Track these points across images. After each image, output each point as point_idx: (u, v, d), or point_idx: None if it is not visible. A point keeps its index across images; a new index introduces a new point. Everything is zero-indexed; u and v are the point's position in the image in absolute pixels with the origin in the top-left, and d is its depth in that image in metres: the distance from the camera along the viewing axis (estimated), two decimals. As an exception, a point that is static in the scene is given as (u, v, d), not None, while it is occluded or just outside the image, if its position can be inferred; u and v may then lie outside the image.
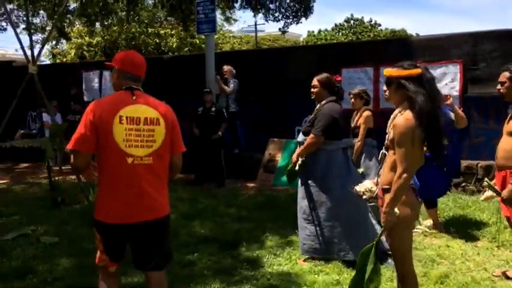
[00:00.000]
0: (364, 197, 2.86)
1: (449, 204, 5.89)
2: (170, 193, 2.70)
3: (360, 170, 4.77)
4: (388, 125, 2.64)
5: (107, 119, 2.39)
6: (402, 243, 2.68)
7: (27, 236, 4.92)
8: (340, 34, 34.22)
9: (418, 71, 2.53)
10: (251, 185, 7.62)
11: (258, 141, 8.20)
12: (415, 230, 4.92)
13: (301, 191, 4.19)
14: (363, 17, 34.69)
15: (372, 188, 2.85)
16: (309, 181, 4.10)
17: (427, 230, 4.97)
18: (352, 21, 35.00)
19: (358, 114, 5.33)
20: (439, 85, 6.70)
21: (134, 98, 2.48)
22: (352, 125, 5.30)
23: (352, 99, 5.41)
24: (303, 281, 3.65)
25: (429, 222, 5.18)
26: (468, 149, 6.86)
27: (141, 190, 2.45)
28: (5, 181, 8.51)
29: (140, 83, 2.58)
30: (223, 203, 6.34)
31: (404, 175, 2.48)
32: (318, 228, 4.06)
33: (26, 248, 4.54)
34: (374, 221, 4.13)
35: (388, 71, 2.64)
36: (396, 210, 2.55)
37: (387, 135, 2.65)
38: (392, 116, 2.64)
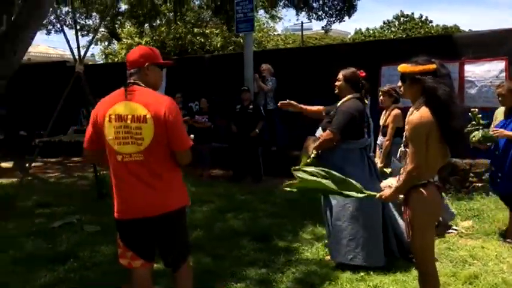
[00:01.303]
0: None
1: (490, 205, 5.70)
2: (207, 188, 2.81)
3: (388, 170, 4.67)
4: (406, 121, 2.65)
5: (101, 119, 2.49)
6: (423, 242, 2.65)
7: (73, 225, 5.26)
8: (389, 31, 33.40)
9: (433, 66, 2.51)
10: (287, 182, 7.66)
11: (296, 138, 8.24)
12: (450, 231, 4.83)
13: None
14: (413, 13, 33.67)
15: (393, 184, 2.87)
16: None
17: (463, 231, 4.86)
18: (402, 18, 34.07)
19: (387, 112, 5.10)
20: (482, 82, 6.69)
21: (126, 94, 2.48)
22: (381, 123, 5.16)
23: (381, 97, 5.16)
24: (328, 276, 3.70)
25: (467, 223, 5.06)
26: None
27: (134, 187, 2.46)
28: (56, 174, 9.06)
29: (136, 75, 2.53)
30: (258, 198, 6.46)
31: (414, 173, 2.50)
32: (328, 228, 4.03)
33: (71, 235, 4.87)
34: (390, 227, 4.07)
35: (402, 67, 2.63)
36: (401, 196, 2.66)
37: (405, 133, 2.66)
38: (408, 113, 2.63)
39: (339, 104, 4.00)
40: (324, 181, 2.91)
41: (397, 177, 2.88)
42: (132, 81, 2.52)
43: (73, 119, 11.09)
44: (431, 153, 2.51)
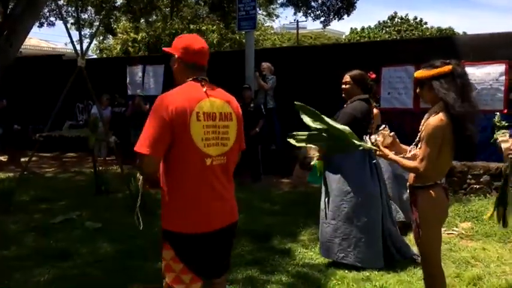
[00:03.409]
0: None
1: (488, 207, 5.74)
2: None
3: None
4: (422, 123, 2.66)
5: (184, 116, 2.06)
6: (430, 243, 2.68)
7: (73, 221, 5.22)
8: (384, 32, 33.57)
9: (448, 67, 2.53)
10: (287, 181, 7.69)
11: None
12: (451, 232, 4.87)
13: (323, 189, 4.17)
14: (407, 15, 33.89)
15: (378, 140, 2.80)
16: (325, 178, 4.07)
17: (463, 232, 4.90)
18: (396, 19, 34.25)
19: None
20: (482, 86, 6.74)
21: (205, 90, 2.18)
22: None
23: None
24: (333, 275, 3.71)
25: (466, 225, 5.10)
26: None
27: (221, 194, 2.20)
28: (53, 169, 8.99)
29: (205, 72, 2.27)
30: (258, 197, 6.46)
31: (420, 171, 2.53)
32: (322, 226, 4.05)
33: (71, 232, 4.83)
34: (390, 229, 4.08)
35: (418, 73, 2.64)
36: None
37: (419, 134, 2.67)
38: (426, 116, 2.65)
39: (345, 105, 4.03)
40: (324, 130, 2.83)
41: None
42: (203, 77, 2.24)
43: (68, 113, 10.99)
44: (443, 157, 2.54)
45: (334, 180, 3.98)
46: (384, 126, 2.80)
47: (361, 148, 2.86)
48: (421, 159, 2.54)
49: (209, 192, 2.15)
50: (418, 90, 2.70)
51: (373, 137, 2.80)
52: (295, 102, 2.84)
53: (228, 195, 2.24)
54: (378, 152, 2.75)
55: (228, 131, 2.21)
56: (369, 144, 2.81)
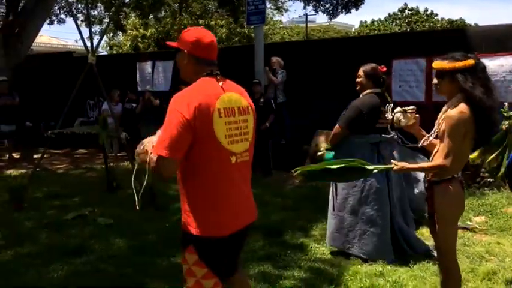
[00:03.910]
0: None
1: (502, 201, 5.68)
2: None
3: None
4: (439, 116, 2.62)
5: (207, 114, 1.97)
6: (447, 238, 2.66)
7: (85, 217, 5.25)
8: (394, 24, 33.23)
9: (471, 61, 2.50)
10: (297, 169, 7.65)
11: (305, 132, 8.23)
12: (465, 226, 4.81)
13: None
14: (417, 7, 33.47)
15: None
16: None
17: (477, 226, 4.84)
18: (406, 11, 33.87)
19: None
20: (495, 77, 6.64)
21: (221, 84, 2.10)
22: None
23: None
24: (346, 270, 3.69)
25: (479, 219, 5.04)
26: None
27: (246, 193, 2.17)
28: (64, 166, 9.06)
29: (217, 66, 2.19)
30: (269, 192, 6.44)
31: (448, 166, 2.49)
32: (330, 217, 4.14)
33: (84, 228, 4.86)
34: (400, 224, 4.09)
35: (439, 64, 2.59)
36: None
37: (435, 128, 2.64)
38: (444, 108, 2.61)
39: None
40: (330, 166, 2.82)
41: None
42: (216, 71, 2.16)
43: (79, 110, 11.06)
44: (463, 150, 2.52)
45: None
46: (413, 107, 2.77)
47: (376, 171, 2.77)
48: (446, 154, 2.49)
49: (237, 193, 2.09)
50: (436, 81, 2.65)
51: (398, 112, 2.75)
52: (295, 172, 2.80)
53: (251, 193, 2.19)
54: (394, 168, 2.67)
55: (247, 125, 2.15)
56: (389, 117, 2.80)
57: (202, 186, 2.03)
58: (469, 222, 4.90)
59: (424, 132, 2.77)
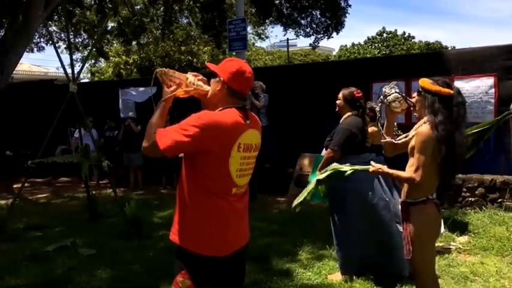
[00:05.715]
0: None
1: (484, 220, 5.75)
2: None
3: None
4: (410, 133, 2.70)
5: (228, 144, 2.04)
6: (424, 259, 2.66)
7: (67, 248, 5.14)
8: (373, 47, 34.00)
9: (449, 91, 2.58)
10: (282, 199, 7.67)
11: (289, 155, 8.26)
12: (449, 247, 4.84)
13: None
14: (396, 30, 34.36)
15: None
16: (330, 193, 4.14)
17: (461, 246, 4.88)
18: (384, 34, 34.73)
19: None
20: (472, 99, 6.80)
21: (248, 122, 2.12)
22: None
23: None
24: (332, 295, 3.67)
25: (463, 239, 5.08)
26: (505, 164, 6.71)
27: (242, 214, 2.21)
28: (45, 195, 8.90)
29: (246, 101, 2.24)
30: (254, 216, 6.35)
31: (417, 180, 2.55)
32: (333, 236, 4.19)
33: (66, 260, 4.74)
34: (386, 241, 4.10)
35: (423, 81, 2.68)
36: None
37: (410, 135, 2.74)
38: (415, 126, 2.71)
39: (340, 121, 4.16)
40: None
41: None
42: (246, 106, 2.20)
43: (61, 137, 10.94)
44: (432, 170, 2.57)
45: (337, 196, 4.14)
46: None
47: (351, 171, 3.01)
48: (416, 168, 2.56)
49: (232, 217, 2.12)
50: (414, 95, 2.75)
51: (397, 94, 2.84)
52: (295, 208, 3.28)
53: (246, 215, 2.24)
54: (371, 169, 2.78)
55: (253, 161, 2.20)
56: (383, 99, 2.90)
57: (206, 206, 2.06)
58: (453, 243, 4.94)
59: (394, 129, 2.91)
